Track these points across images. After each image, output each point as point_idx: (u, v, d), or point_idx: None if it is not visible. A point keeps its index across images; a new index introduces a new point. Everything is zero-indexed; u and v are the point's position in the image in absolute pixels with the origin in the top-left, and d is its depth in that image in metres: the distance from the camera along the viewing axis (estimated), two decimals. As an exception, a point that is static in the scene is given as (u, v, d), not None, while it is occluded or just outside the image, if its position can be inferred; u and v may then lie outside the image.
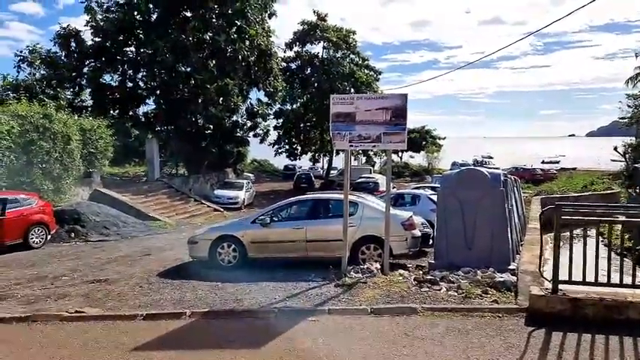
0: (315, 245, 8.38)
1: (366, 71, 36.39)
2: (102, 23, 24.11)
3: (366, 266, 7.43)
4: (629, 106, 43.61)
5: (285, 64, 35.30)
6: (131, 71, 25.85)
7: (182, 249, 9.79)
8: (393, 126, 7.24)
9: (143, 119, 26.28)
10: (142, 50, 24.63)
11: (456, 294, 5.96)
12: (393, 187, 26.37)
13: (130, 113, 25.77)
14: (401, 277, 6.95)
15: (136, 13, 24.14)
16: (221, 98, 22.84)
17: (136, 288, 7.21)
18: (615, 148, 45.86)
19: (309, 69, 36.32)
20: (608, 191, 31.40)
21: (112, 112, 25.35)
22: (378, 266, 7.49)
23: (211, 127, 24.83)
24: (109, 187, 17.65)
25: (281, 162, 47.70)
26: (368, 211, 8.52)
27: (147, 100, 26.19)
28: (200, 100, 22.70)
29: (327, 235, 8.31)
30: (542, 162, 55.72)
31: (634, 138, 43.74)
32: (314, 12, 36.59)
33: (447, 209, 8.23)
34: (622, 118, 44.98)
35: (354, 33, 37.34)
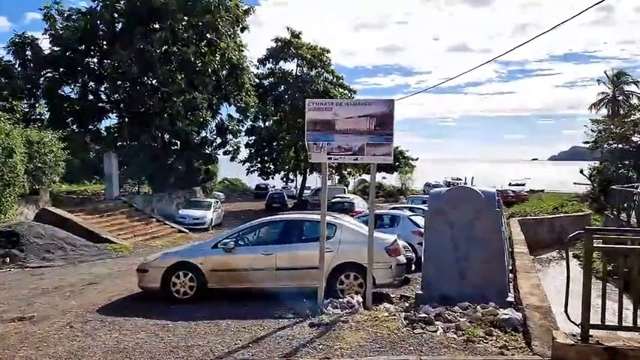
0: (286, 274, 7.24)
1: (340, 90, 35.94)
2: (62, 32, 22.65)
3: (345, 299, 6.35)
4: (592, 131, 45.12)
5: (258, 81, 34.42)
6: (93, 83, 24.36)
7: (134, 276, 8.40)
8: (378, 136, 6.31)
9: (106, 134, 24.68)
10: (105, 61, 23.25)
11: (455, 336, 4.95)
12: (368, 208, 25.61)
13: (91, 127, 24.09)
14: (387, 314, 5.89)
15: (99, 22, 22.85)
16: (189, 113, 21.56)
17: (65, 329, 5.84)
18: (581, 171, 47.07)
19: (282, 86, 35.55)
20: (580, 213, 31.72)
21: (71, 125, 23.69)
22: (360, 299, 6.42)
23: (178, 142, 23.44)
24: (61, 205, 15.95)
25: (253, 181, 46.35)
26: (347, 234, 7.48)
27: (110, 114, 24.68)
28: (166, 115, 21.37)
29: (301, 262, 7.21)
30: (510, 184, 56.69)
31: (595, 162, 45.10)
32: (287, 29, 36.14)
33: (436, 232, 7.30)
34: (586, 142, 46.45)
35: (328, 51, 36.99)
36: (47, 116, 23.02)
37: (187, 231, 18.82)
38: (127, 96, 22.74)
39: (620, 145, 40.83)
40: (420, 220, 13.21)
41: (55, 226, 13.44)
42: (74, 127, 23.15)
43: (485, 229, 7.12)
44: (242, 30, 26.68)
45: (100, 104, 23.77)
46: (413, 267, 9.87)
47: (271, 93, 35.56)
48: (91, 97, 23.67)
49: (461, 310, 5.74)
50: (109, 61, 22.24)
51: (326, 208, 6.87)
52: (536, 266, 11.10)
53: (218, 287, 7.31)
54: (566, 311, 4.58)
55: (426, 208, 17.76)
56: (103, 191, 20.88)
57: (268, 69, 36.32)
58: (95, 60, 23.96)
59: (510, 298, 6.70)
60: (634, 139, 41.10)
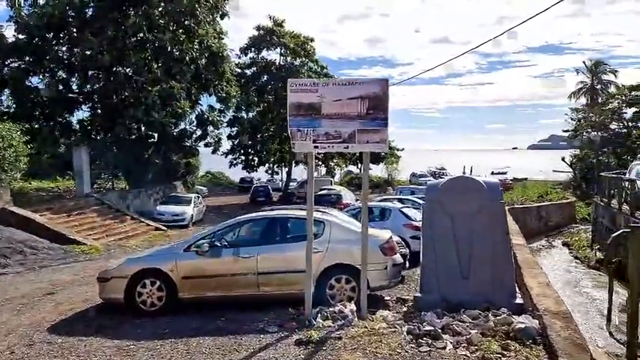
0: (269, 279, 6.41)
1: (325, 80, 34.95)
2: (27, 19, 21.13)
3: (337, 308, 5.55)
4: (572, 119, 45.33)
5: (240, 71, 33.20)
6: (63, 73, 22.90)
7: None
8: (371, 121, 5.49)
9: (78, 127, 23.30)
10: (74, 50, 21.83)
11: (468, 353, 4.21)
12: (357, 200, 24.84)
13: (61, 120, 22.67)
14: (385, 324, 5.12)
15: (68, 7, 21.37)
16: (165, 103, 20.37)
17: (4, 355, 4.92)
18: (563, 159, 47.37)
19: (265, 76, 34.36)
20: (565, 200, 31.65)
21: (39, 118, 22.27)
22: (353, 307, 5.63)
23: (155, 135, 22.23)
24: (24, 204, 14.75)
25: (238, 174, 45.22)
26: (337, 231, 6.67)
27: (81, 106, 23.27)
28: (141, 105, 20.14)
29: (285, 265, 6.38)
30: (492, 173, 56.78)
31: (575, 150, 45.42)
32: (270, 17, 34.88)
33: (434, 227, 6.54)
34: (566, 131, 46.68)
35: (311, 40, 35.89)
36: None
37: (165, 228, 17.78)
38: (99, 86, 21.39)
39: (599, 133, 41.14)
40: (411, 213, 12.52)
41: (16, 227, 12.31)
42: (42, 120, 21.69)
43: (489, 223, 6.40)
44: (222, 17, 25.40)
45: (70, 95, 22.33)
46: (407, 264, 9.17)
47: (254, 83, 34.37)
48: (60, 87, 22.18)
49: (470, 320, 5.00)
50: (78, 50, 20.83)
51: (313, 204, 6.04)
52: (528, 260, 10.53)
53: (191, 297, 6.44)
54: (607, 327, 3.87)
55: (418, 200, 17.17)
56: (75, 188, 19.64)
57: (250, 58, 35.08)
58: (64, 49, 22.48)
59: (519, 300, 6.02)
60: (612, 126, 41.51)
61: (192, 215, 20.01)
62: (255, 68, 34.80)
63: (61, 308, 7.06)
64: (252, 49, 34.60)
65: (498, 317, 4.97)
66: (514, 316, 5.03)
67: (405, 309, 6.40)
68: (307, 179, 6.03)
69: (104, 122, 21.28)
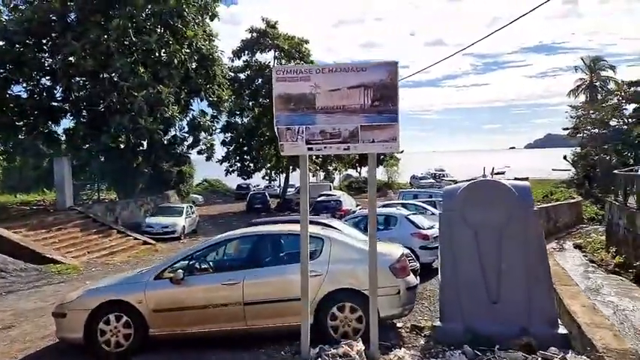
0: (258, 310, 5.32)
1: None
2: (6, 24, 20.13)
3: (342, 350, 4.45)
4: (572, 117, 44.50)
5: (233, 74, 32.22)
6: (47, 81, 21.88)
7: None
8: (377, 114, 4.43)
9: (64, 137, 22.23)
10: (58, 56, 20.80)
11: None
12: (358, 206, 23.74)
13: (45, 130, 21.57)
14: (403, 371, 4.04)
15: (48, 12, 20.36)
16: (153, 109, 19.31)
17: None
18: (565, 157, 46.47)
19: (259, 79, 33.36)
20: (571, 200, 30.64)
21: (22, 128, 21.21)
22: (361, 347, 4.54)
23: (144, 143, 21.14)
24: (2, 220, 13.65)
25: (235, 181, 44.17)
26: (339, 249, 5.59)
27: (65, 115, 22.21)
28: (126, 112, 19.08)
29: (277, 293, 5.30)
30: (491, 173, 55.84)
31: (574, 148, 44.59)
32: (262, 19, 33.94)
33: (454, 242, 5.47)
34: (565, 129, 45.82)
35: (306, 42, 34.95)
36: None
37: (154, 242, 16.64)
38: (82, 93, 20.34)
39: (599, 130, 40.32)
40: (419, 220, 11.47)
41: (-14, 246, 11.21)
42: (23, 130, 20.63)
43: (521, 236, 5.35)
44: (212, 18, 24.43)
45: (53, 103, 21.26)
46: (418, 278, 8.11)
47: (248, 87, 33.39)
48: (42, 96, 21.12)
49: (514, 366, 3.91)
50: (59, 56, 19.80)
51: (308, 216, 4.97)
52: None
53: (165, 334, 5.34)
54: None
55: (423, 204, 16.08)
56: (56, 201, 18.50)
57: (244, 61, 34.14)
58: (46, 55, 21.46)
59: (563, 330, 4.94)
60: (612, 123, 40.69)
61: (183, 227, 18.89)
62: (248, 71, 33.83)
63: (14, 347, 5.97)
64: (246, 51, 33.66)
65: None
66: (567, 355, 3.95)
67: (422, 341, 5.33)
68: (300, 187, 4.96)
69: (89, 131, 20.19)
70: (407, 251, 7.50)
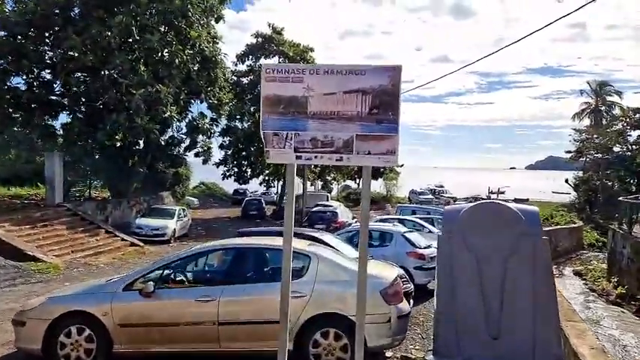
0: (234, 331, 4.84)
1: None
2: (9, 15, 19.87)
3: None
4: (575, 140, 44.24)
5: (235, 78, 31.99)
6: (48, 74, 21.56)
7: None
8: (375, 123, 3.97)
9: (62, 131, 21.84)
10: (59, 50, 20.50)
11: None
12: (354, 218, 23.24)
13: (41, 123, 21.17)
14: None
15: (52, 4, 20.10)
16: (151, 108, 18.93)
17: None
18: (566, 181, 46.10)
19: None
20: (573, 225, 30.16)
21: (19, 121, 20.83)
22: (345, 381, 4.05)
23: (140, 142, 20.73)
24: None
25: (232, 185, 43.72)
26: (326, 268, 5.12)
27: (63, 110, 21.86)
28: (124, 110, 18.70)
29: (257, 313, 4.83)
30: (490, 192, 55.41)
31: (576, 172, 44.26)
32: (269, 25, 33.80)
33: (454, 268, 4.99)
34: (568, 152, 45.53)
35: (311, 50, 34.87)
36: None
37: (142, 244, 16.12)
38: (81, 89, 19.99)
39: (602, 156, 40.03)
40: (415, 238, 10.99)
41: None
42: (19, 123, 20.25)
43: (527, 266, 4.89)
44: (217, 20, 24.19)
45: (51, 97, 20.91)
46: (411, 302, 7.61)
47: (250, 92, 33.12)
48: (41, 89, 20.79)
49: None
50: (59, 50, 19.50)
51: (292, 230, 4.51)
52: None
53: (130, 351, 4.85)
54: None
55: (420, 221, 15.59)
56: (46, 196, 18.03)
57: (248, 66, 33.95)
58: (47, 48, 21.16)
59: (569, 372, 4.45)
60: (615, 149, 40.41)
61: (174, 230, 18.38)
62: (252, 76, 33.61)
63: (-31, 356, 5.46)
64: (250, 56, 33.50)
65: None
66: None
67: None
68: (287, 198, 4.50)
69: (85, 127, 19.79)
70: (401, 272, 7.02)
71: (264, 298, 4.84)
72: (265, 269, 5.34)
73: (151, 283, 4.87)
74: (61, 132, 21.89)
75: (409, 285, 7.71)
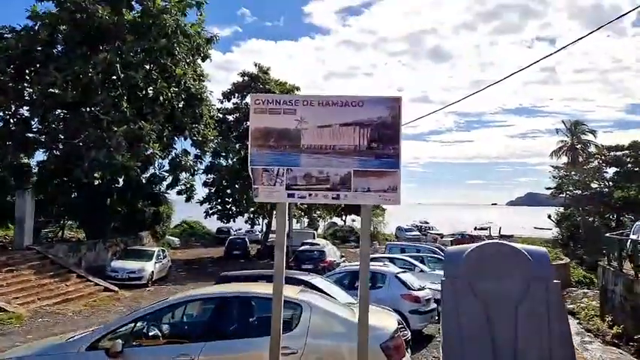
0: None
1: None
2: (-12, 52, 19.51)
3: None
4: (554, 177, 45.25)
5: (221, 116, 31.90)
6: (27, 111, 21.01)
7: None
8: (374, 158, 3.63)
9: (37, 169, 21.02)
10: (38, 86, 20.09)
11: None
12: (342, 257, 22.62)
13: (14, 162, 20.36)
14: None
15: (33, 41, 19.88)
16: (132, 145, 18.43)
17: None
18: (549, 216, 46.63)
19: (247, 122, 33.04)
20: (560, 262, 30.05)
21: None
22: None
23: (120, 180, 20.03)
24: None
25: (215, 224, 42.71)
26: (320, 320, 4.58)
27: (40, 147, 21.15)
28: (106, 147, 18.14)
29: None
30: (475, 228, 55.49)
31: (555, 208, 44.97)
32: (255, 64, 34.24)
33: (461, 317, 4.55)
34: (548, 188, 46.38)
35: (298, 89, 35.23)
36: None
37: (117, 289, 15.12)
38: (58, 125, 19.44)
39: (581, 192, 40.88)
40: (408, 278, 10.48)
41: None
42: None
43: (540, 313, 4.47)
44: (203, 59, 24.29)
45: (29, 135, 20.26)
46: (409, 351, 7.02)
47: (236, 129, 32.99)
48: (17, 126, 20.15)
49: None
50: (39, 87, 19.09)
51: (283, 277, 4.01)
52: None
53: None
54: None
55: (411, 260, 15.12)
56: (14, 238, 16.99)
57: (234, 104, 34.00)
58: (26, 85, 20.73)
59: None
60: (593, 185, 41.34)
61: (152, 272, 17.43)
62: (238, 114, 33.59)
63: None
64: (236, 94, 33.60)
65: None
66: None
67: None
68: (276, 240, 4.03)
69: (61, 165, 19.07)
70: (399, 318, 6.50)
71: (250, 356, 4.26)
72: (251, 321, 4.77)
73: (119, 341, 4.24)
74: (36, 170, 21.14)
75: (407, 332, 7.17)
